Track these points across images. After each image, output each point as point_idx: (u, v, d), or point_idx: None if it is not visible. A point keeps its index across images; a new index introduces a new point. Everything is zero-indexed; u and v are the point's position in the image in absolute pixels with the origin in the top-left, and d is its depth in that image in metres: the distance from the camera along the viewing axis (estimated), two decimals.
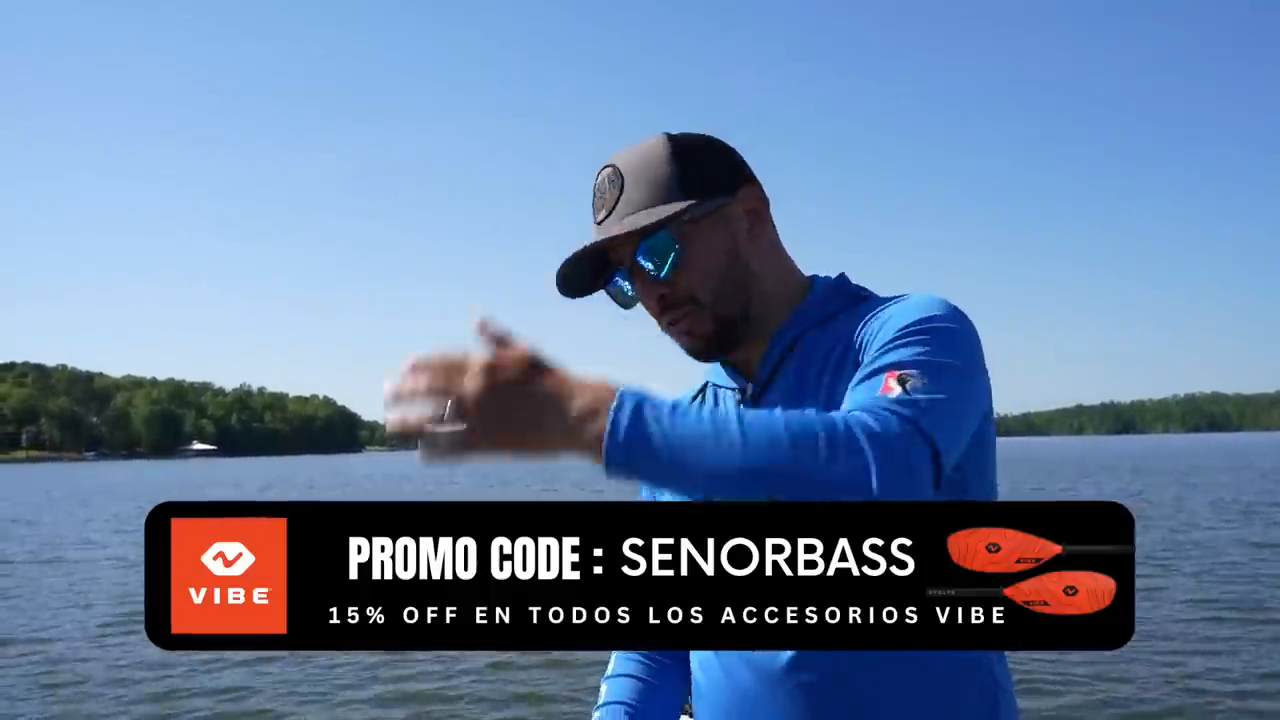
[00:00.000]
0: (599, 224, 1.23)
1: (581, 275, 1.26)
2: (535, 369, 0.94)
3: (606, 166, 1.25)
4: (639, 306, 1.28)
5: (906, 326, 1.12)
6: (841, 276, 1.32)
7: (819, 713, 1.15)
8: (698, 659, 1.27)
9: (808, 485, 0.92)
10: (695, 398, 1.38)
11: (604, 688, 1.39)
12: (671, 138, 1.25)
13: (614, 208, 1.22)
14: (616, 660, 1.41)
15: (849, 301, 1.27)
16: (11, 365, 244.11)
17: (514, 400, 0.93)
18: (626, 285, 1.25)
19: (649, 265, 1.21)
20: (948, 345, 1.10)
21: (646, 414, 0.93)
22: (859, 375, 1.10)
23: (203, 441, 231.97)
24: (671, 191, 1.22)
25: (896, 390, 1.03)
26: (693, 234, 1.22)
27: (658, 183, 1.22)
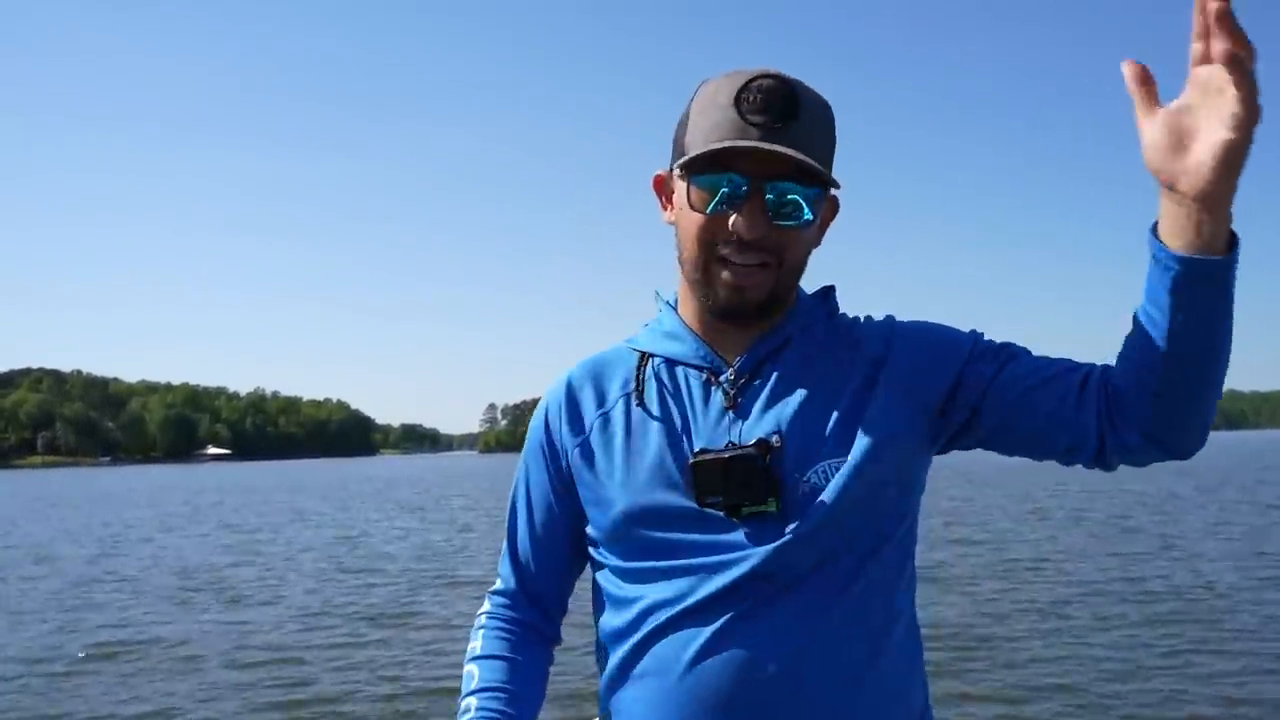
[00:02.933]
0: (759, 125, 1.13)
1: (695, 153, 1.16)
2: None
3: (776, 79, 1.15)
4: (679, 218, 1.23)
5: (964, 334, 1.26)
6: (830, 289, 1.34)
7: (784, 715, 1.14)
8: (648, 660, 1.21)
9: (1215, 405, 1.09)
10: (638, 371, 1.30)
11: (472, 669, 1.32)
12: (832, 110, 1.22)
13: (791, 123, 1.14)
14: (484, 639, 1.35)
15: (828, 316, 1.30)
16: (27, 371, 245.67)
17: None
18: (737, 199, 1.15)
19: (783, 203, 1.15)
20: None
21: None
22: (997, 359, 1.20)
23: (217, 446, 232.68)
24: (828, 158, 1.19)
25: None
26: (820, 209, 1.20)
27: (827, 139, 1.19)
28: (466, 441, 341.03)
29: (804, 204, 1.16)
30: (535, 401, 1.40)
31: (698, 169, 1.17)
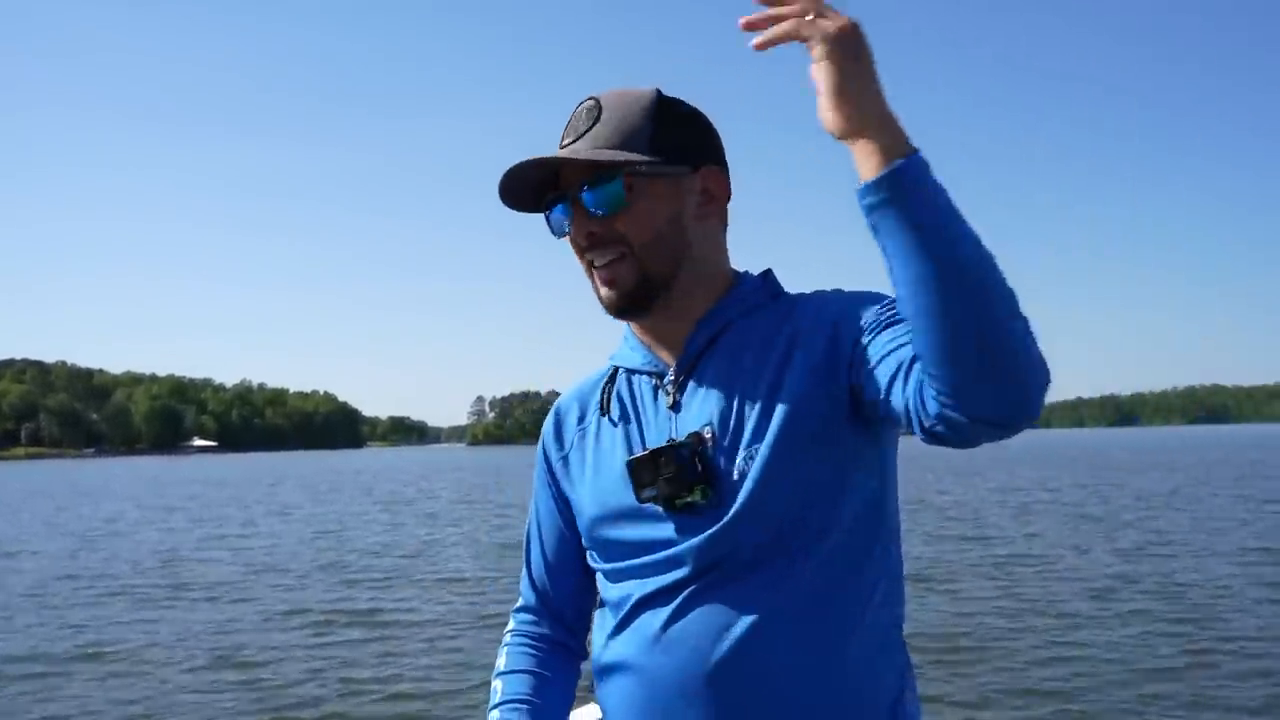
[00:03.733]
0: (562, 147, 1.26)
1: (528, 191, 1.29)
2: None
3: (591, 99, 1.27)
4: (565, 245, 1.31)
5: (864, 299, 1.23)
6: (767, 273, 1.36)
7: (740, 699, 1.16)
8: (619, 653, 1.26)
9: (1019, 357, 0.97)
10: (605, 385, 1.37)
11: (497, 684, 1.38)
12: (659, 96, 1.28)
13: (581, 136, 1.25)
14: (508, 655, 1.41)
15: (770, 298, 1.32)
16: (10, 362, 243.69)
17: (864, 49, 1.00)
18: (564, 217, 1.27)
19: (589, 200, 1.24)
20: None
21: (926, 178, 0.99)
22: (888, 342, 1.12)
23: (204, 438, 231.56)
24: (639, 143, 1.25)
25: None
26: (643, 188, 1.25)
27: (629, 130, 1.25)
28: (455, 434, 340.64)
29: (605, 191, 1.23)
30: (524, 394, 1.39)
31: (545, 211, 1.31)
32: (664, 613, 1.21)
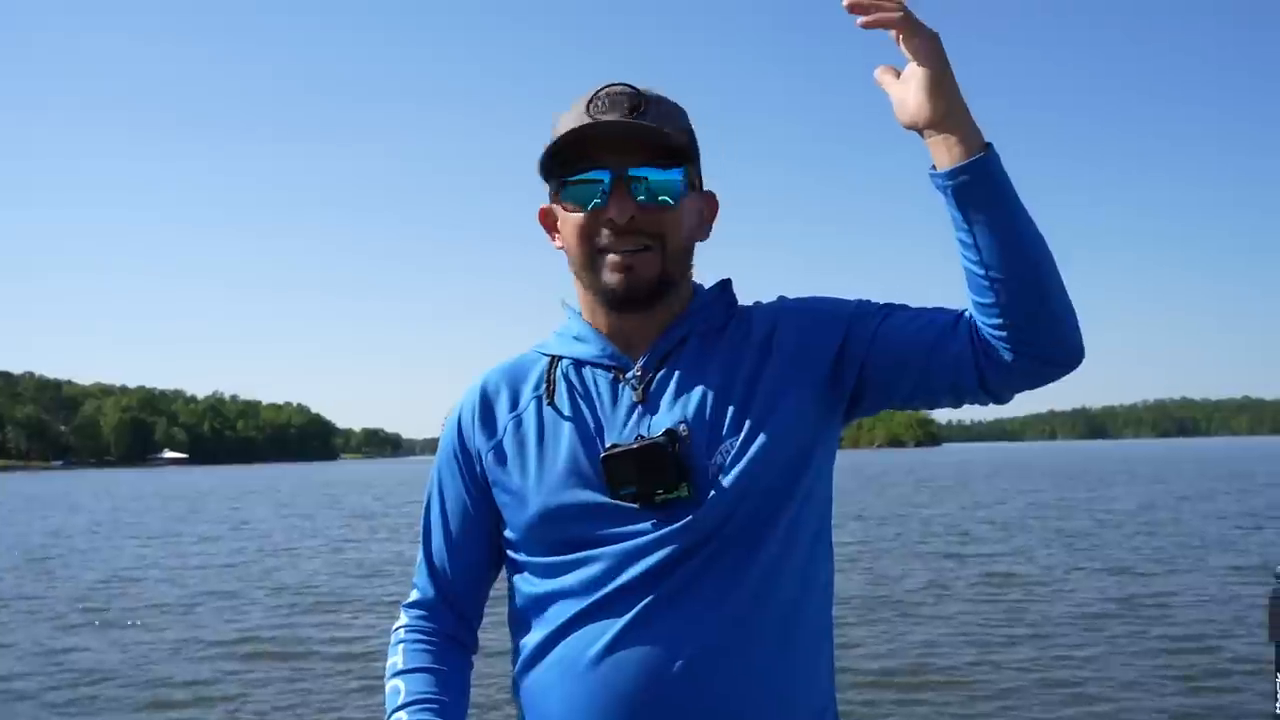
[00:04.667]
0: (612, 120, 1.22)
1: (553, 156, 1.26)
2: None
3: (623, 84, 1.25)
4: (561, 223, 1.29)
5: (846, 302, 1.32)
6: (727, 282, 1.38)
7: (698, 698, 1.16)
8: (572, 649, 1.22)
9: (1064, 302, 1.16)
10: (549, 372, 1.33)
11: (398, 684, 1.30)
12: (683, 108, 1.31)
13: (634, 116, 1.22)
14: (405, 652, 1.34)
15: (729, 308, 1.35)
16: None
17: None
18: (598, 190, 1.23)
19: (651, 182, 1.23)
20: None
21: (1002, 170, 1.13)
22: (876, 316, 1.27)
23: (174, 450, 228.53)
24: (687, 145, 1.27)
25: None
26: (686, 192, 1.27)
27: (680, 129, 1.27)
28: (429, 446, 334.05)
29: (667, 183, 1.23)
30: None
31: (567, 178, 1.25)
32: (621, 611, 1.19)
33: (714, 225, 1.36)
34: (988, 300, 1.14)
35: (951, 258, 1.14)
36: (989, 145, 1.11)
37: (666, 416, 1.24)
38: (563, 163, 1.25)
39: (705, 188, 1.34)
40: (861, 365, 1.25)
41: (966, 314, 1.20)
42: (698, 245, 1.34)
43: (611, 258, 1.23)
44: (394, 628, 1.39)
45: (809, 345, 1.27)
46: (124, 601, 11.37)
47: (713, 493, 1.20)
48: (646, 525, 1.21)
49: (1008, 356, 1.16)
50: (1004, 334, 1.15)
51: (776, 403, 1.24)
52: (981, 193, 1.10)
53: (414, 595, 1.40)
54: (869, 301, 1.30)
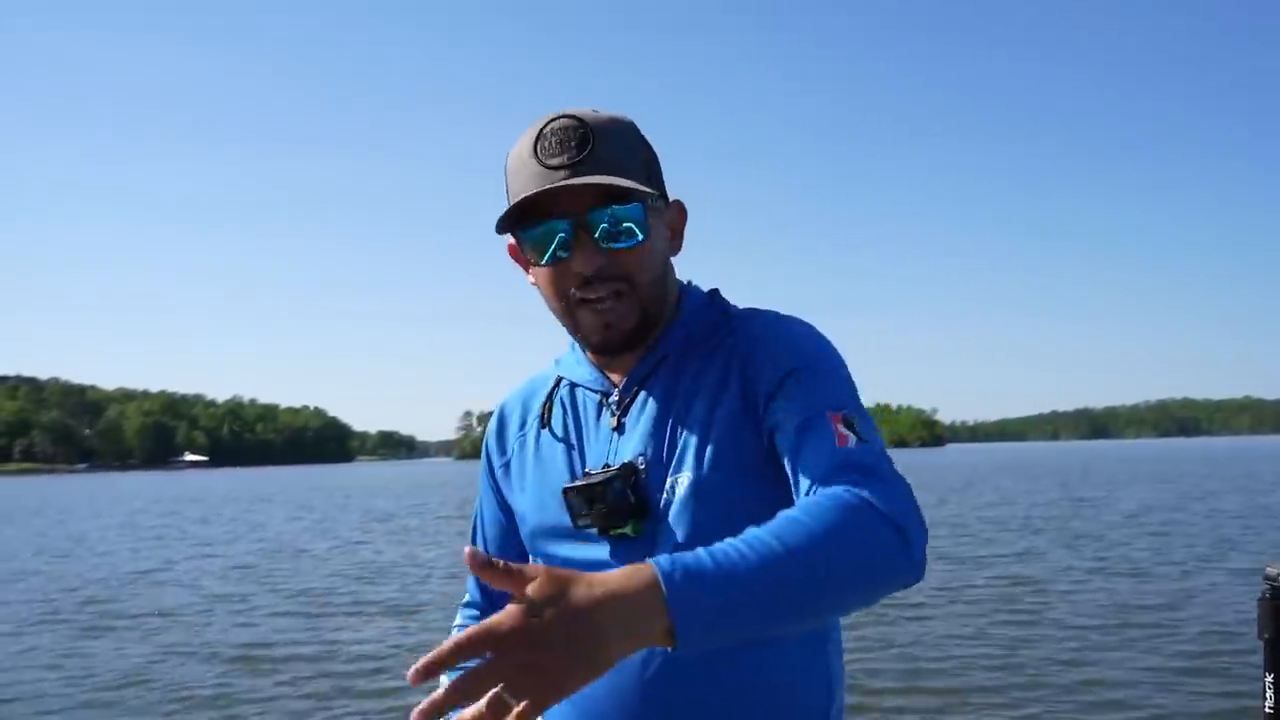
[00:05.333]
0: (559, 167, 1.13)
1: (508, 214, 1.17)
2: (563, 586, 0.80)
3: (568, 117, 1.15)
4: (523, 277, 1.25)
5: (808, 357, 1.15)
6: (714, 293, 1.31)
7: (673, 714, 1.14)
8: None
9: (865, 577, 0.92)
10: (550, 394, 1.33)
11: (444, 679, 1.22)
12: (634, 123, 1.22)
13: (583, 156, 1.13)
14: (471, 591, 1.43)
15: (716, 320, 1.28)
16: (4, 378, 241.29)
17: (567, 635, 0.78)
18: (558, 244, 1.16)
19: (609, 229, 1.14)
20: (845, 372, 1.17)
21: (698, 582, 0.83)
22: (793, 417, 1.09)
23: (195, 453, 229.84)
24: (641, 172, 1.18)
25: (852, 438, 1.06)
26: (650, 223, 1.18)
27: (632, 155, 1.18)
28: (443, 448, 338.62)
29: (628, 223, 1.15)
30: None
31: (525, 228, 1.17)
32: None
33: (685, 234, 1.29)
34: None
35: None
36: (666, 603, 0.81)
37: (633, 445, 1.21)
38: (521, 212, 1.16)
39: (672, 196, 1.26)
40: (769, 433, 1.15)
41: (856, 503, 0.97)
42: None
43: (586, 315, 1.19)
44: (451, 626, 1.43)
45: (754, 394, 1.17)
46: (139, 604, 11.35)
47: (665, 531, 1.16)
48: (605, 557, 1.19)
49: None
50: None
51: (724, 437, 1.17)
52: (714, 637, 0.84)
53: (466, 597, 1.45)
54: (801, 375, 1.14)
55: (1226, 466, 45.09)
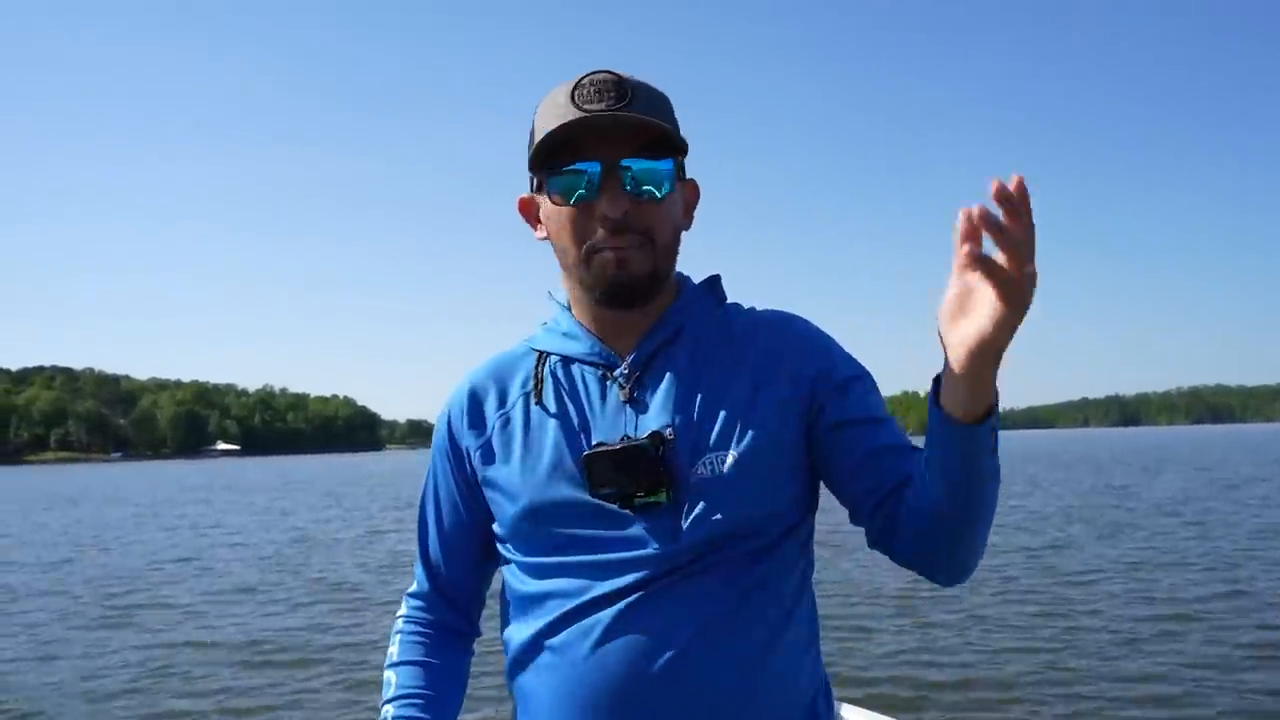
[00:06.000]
0: (598, 113, 1.14)
1: (542, 147, 1.17)
2: None
3: (606, 72, 1.17)
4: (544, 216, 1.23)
5: (861, 368, 1.27)
6: (715, 279, 1.33)
7: (677, 698, 1.14)
8: (554, 649, 1.19)
9: (976, 558, 1.14)
10: (536, 372, 1.29)
11: (390, 676, 1.32)
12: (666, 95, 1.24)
13: (622, 106, 1.14)
14: (401, 644, 1.35)
15: (717, 305, 1.30)
16: (40, 369, 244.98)
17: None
18: (589, 183, 1.16)
19: (641, 173, 1.16)
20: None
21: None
22: (861, 415, 1.20)
23: (227, 441, 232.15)
24: (676, 134, 1.19)
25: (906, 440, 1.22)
26: (676, 183, 1.21)
27: (666, 117, 1.19)
28: None
29: (658, 174, 1.17)
30: None
31: (553, 169, 1.17)
32: (605, 611, 1.16)
33: (695, 213, 1.29)
34: (922, 533, 1.11)
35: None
36: (993, 411, 1.00)
37: (654, 418, 1.20)
38: (549, 153, 1.17)
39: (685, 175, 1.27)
40: (810, 434, 1.22)
41: (897, 492, 1.15)
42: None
43: (603, 255, 1.17)
44: (396, 615, 1.40)
45: (800, 398, 1.21)
46: (166, 593, 11.17)
47: (698, 503, 1.16)
48: (630, 529, 1.17)
49: (898, 559, 1.17)
50: (911, 558, 1.15)
51: (767, 422, 1.19)
52: (978, 449, 1.01)
53: (413, 585, 1.40)
54: (857, 377, 1.24)
55: (1261, 453, 44.12)
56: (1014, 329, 0.90)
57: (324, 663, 7.26)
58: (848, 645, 7.05)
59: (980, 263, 0.87)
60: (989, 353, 0.92)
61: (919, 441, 1.13)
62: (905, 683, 6.08)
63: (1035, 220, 0.85)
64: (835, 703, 1.33)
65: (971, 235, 0.87)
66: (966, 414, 0.98)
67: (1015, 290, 0.88)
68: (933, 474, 1.05)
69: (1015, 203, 0.85)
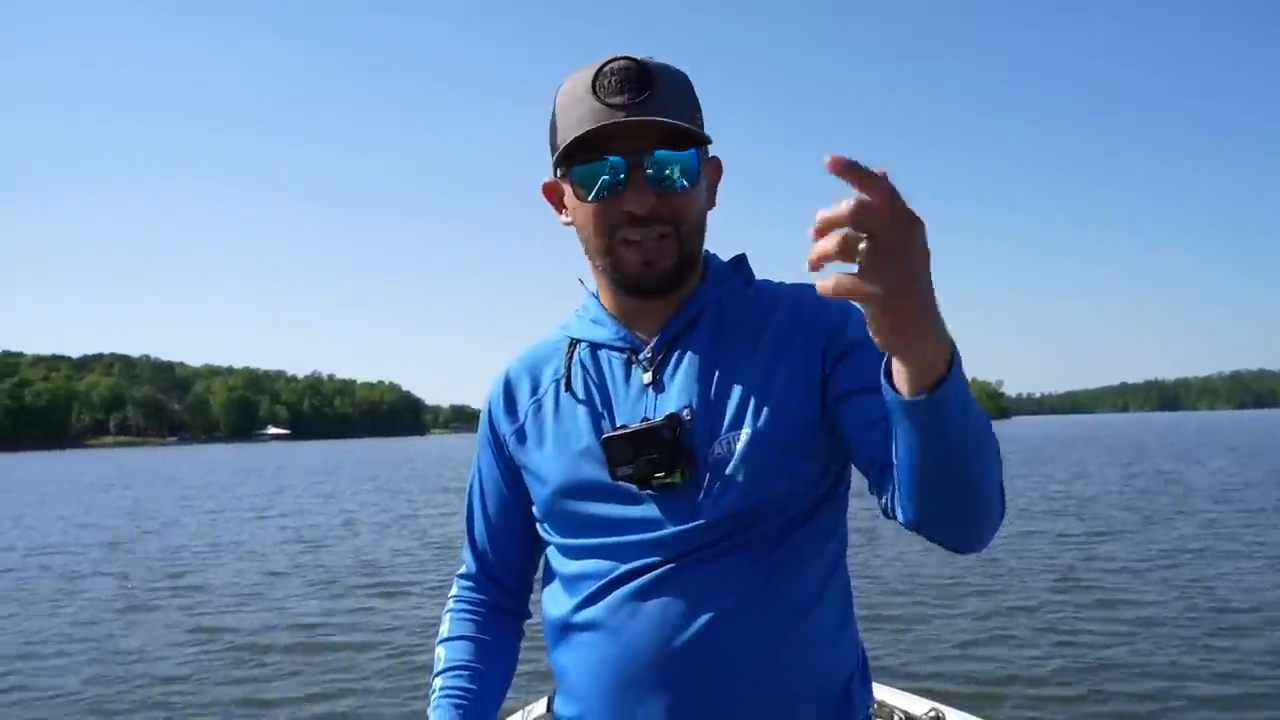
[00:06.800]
0: (619, 106, 1.12)
1: (565, 147, 1.16)
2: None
3: (626, 59, 1.14)
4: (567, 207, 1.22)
5: (862, 328, 1.13)
6: (741, 258, 1.32)
7: (708, 675, 1.14)
8: (586, 628, 1.20)
9: (992, 488, 1.01)
10: (566, 359, 1.30)
11: (440, 651, 1.36)
12: (688, 76, 1.21)
13: (644, 97, 1.13)
14: (450, 621, 1.38)
15: (742, 283, 1.29)
16: (100, 356, 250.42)
17: (913, 250, 0.79)
18: (614, 179, 1.15)
19: (665, 168, 1.14)
20: None
21: (960, 370, 0.91)
22: (863, 383, 1.13)
23: (277, 426, 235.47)
24: (695, 118, 1.18)
25: None
26: (700, 171, 1.19)
27: (688, 103, 1.18)
28: None
29: (683, 167, 1.15)
30: None
31: (576, 162, 1.16)
32: (634, 590, 1.17)
33: (718, 190, 1.27)
34: (910, 501, 1.03)
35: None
36: (951, 355, 0.88)
37: (674, 399, 1.20)
38: (573, 147, 1.15)
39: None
40: (823, 407, 1.19)
41: (890, 466, 1.07)
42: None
43: (629, 252, 1.17)
44: (448, 595, 1.43)
45: (816, 367, 1.19)
46: (212, 574, 11.14)
47: (715, 483, 1.16)
48: (647, 509, 1.18)
49: (908, 528, 1.08)
50: (917, 527, 1.06)
51: (783, 399, 1.18)
52: (931, 421, 0.91)
53: (462, 567, 1.43)
54: (869, 344, 1.04)
55: None
56: (897, 282, 0.78)
57: (373, 647, 7.11)
58: (888, 633, 6.79)
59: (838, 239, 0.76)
60: (881, 323, 0.82)
61: None
62: (951, 677, 5.78)
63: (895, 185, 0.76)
64: (873, 685, 1.28)
65: (823, 231, 0.77)
66: (912, 387, 0.88)
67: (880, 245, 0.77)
68: (900, 451, 0.98)
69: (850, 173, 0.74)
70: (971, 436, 0.94)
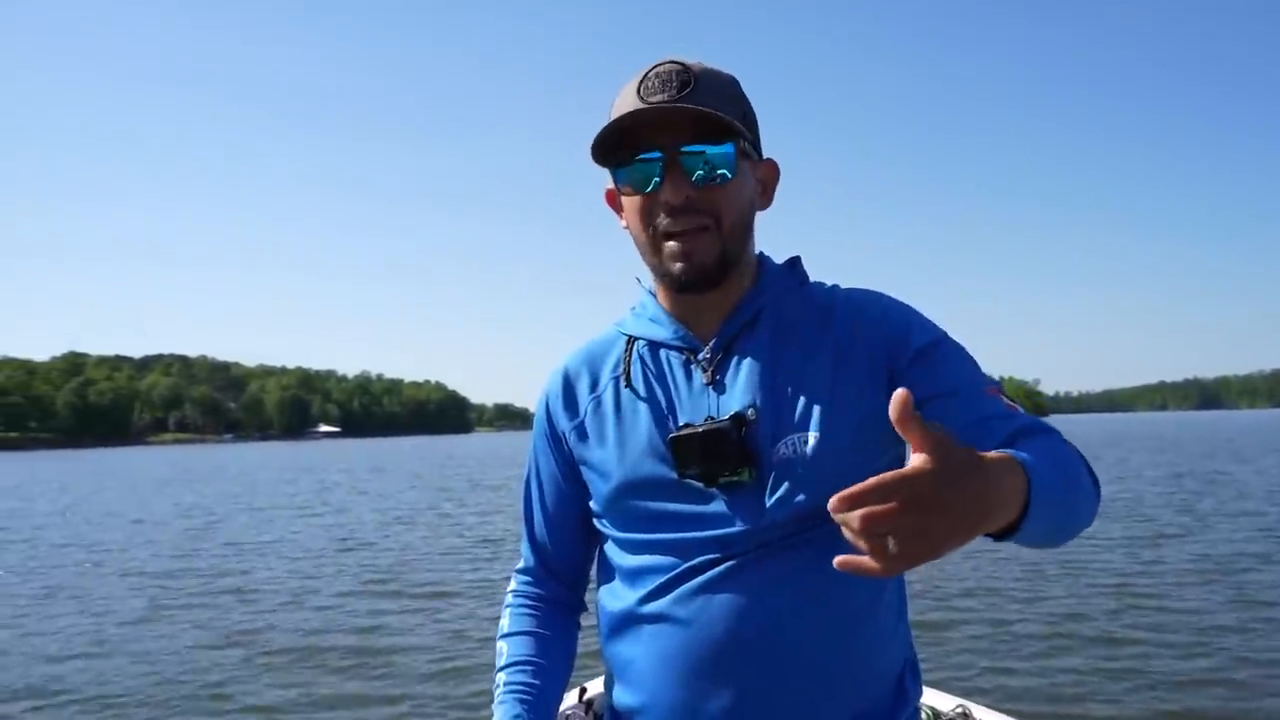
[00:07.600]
0: (662, 100, 1.14)
1: (604, 143, 1.18)
2: (972, 456, 0.81)
3: (673, 62, 1.17)
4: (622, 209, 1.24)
5: (939, 333, 1.21)
6: (796, 260, 1.33)
7: (771, 670, 1.15)
8: (648, 622, 1.21)
9: (1087, 513, 1.04)
10: (625, 356, 1.30)
11: (503, 646, 1.36)
12: (736, 79, 1.23)
13: (683, 94, 1.14)
14: (511, 616, 1.38)
15: (797, 285, 1.29)
16: (159, 357, 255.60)
17: (965, 502, 0.79)
18: (653, 173, 1.16)
19: (701, 160, 1.15)
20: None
21: (1044, 489, 0.91)
22: (949, 383, 1.14)
23: (328, 424, 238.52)
24: (739, 118, 1.18)
25: (1017, 405, 1.14)
26: (742, 165, 1.19)
27: (731, 103, 1.18)
28: None
29: (719, 159, 1.16)
30: None
31: (621, 162, 1.19)
32: (703, 583, 1.18)
33: (775, 193, 1.27)
34: None
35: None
36: (1027, 491, 0.88)
37: (735, 399, 1.20)
38: (617, 146, 1.18)
39: (766, 155, 1.26)
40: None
41: (1076, 459, 1.08)
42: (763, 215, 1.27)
43: (670, 245, 1.18)
44: (507, 590, 1.43)
45: (884, 354, 1.19)
46: (263, 570, 11.13)
47: (782, 483, 1.16)
48: (715, 506, 1.18)
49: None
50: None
51: (850, 402, 1.18)
52: (1032, 537, 0.93)
53: (521, 562, 1.43)
54: (943, 345, 1.19)
55: None
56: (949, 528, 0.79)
57: (422, 650, 6.99)
58: (934, 634, 6.55)
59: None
60: (962, 534, 0.80)
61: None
62: (993, 675, 5.52)
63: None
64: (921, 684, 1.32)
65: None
66: (998, 536, 0.90)
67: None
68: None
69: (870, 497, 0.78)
70: (1059, 518, 0.96)
